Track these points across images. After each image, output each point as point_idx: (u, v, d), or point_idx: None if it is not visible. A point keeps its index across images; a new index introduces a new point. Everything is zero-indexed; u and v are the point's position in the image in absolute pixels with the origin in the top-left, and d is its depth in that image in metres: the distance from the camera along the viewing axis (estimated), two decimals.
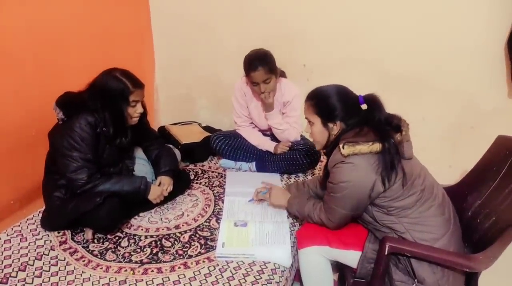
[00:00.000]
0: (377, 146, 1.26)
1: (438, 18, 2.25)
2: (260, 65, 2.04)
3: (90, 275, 1.48)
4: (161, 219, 1.87)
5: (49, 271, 1.50)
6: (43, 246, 1.64)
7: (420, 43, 2.33)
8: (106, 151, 1.72)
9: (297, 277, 1.67)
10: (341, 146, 1.28)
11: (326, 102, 1.40)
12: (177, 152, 2.25)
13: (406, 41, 2.36)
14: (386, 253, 1.28)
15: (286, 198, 1.71)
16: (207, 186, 2.19)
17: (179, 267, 1.53)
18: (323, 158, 2.34)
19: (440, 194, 1.38)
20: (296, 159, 2.24)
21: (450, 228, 1.33)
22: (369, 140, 1.27)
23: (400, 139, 1.30)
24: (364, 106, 1.37)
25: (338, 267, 1.74)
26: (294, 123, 2.27)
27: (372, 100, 1.37)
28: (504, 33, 2.11)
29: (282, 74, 2.31)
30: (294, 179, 2.28)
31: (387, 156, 1.26)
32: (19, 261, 1.54)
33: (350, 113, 1.37)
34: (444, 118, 2.43)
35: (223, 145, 2.37)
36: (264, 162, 2.33)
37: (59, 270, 1.51)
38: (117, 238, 1.71)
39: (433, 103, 2.42)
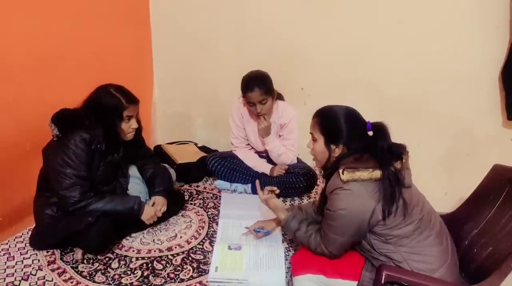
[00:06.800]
0: (377, 173, 1.25)
1: (435, 45, 2.29)
2: (256, 86, 2.06)
3: None
4: (153, 240, 1.83)
5: None
6: (30, 265, 1.60)
7: (417, 69, 2.36)
8: (101, 169, 1.70)
9: None
10: (340, 171, 1.27)
11: (333, 124, 1.40)
12: (172, 172, 2.23)
13: (403, 67, 2.40)
14: (383, 282, 1.25)
15: (283, 209, 1.67)
16: (201, 207, 2.16)
17: None
18: (319, 182, 2.33)
19: (437, 223, 1.37)
20: (292, 182, 2.23)
21: (448, 259, 1.31)
22: (369, 167, 1.26)
23: (400, 167, 1.30)
24: (370, 133, 1.36)
25: None
26: (291, 146, 2.27)
27: (380, 129, 1.35)
28: (499, 60, 2.14)
29: (280, 97, 2.32)
30: (290, 202, 2.26)
31: (387, 183, 1.25)
32: (4, 281, 1.49)
33: (355, 138, 1.36)
34: (439, 145, 2.44)
35: (219, 165, 2.36)
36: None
37: None
38: (107, 259, 1.67)
39: (427, 129, 2.44)
